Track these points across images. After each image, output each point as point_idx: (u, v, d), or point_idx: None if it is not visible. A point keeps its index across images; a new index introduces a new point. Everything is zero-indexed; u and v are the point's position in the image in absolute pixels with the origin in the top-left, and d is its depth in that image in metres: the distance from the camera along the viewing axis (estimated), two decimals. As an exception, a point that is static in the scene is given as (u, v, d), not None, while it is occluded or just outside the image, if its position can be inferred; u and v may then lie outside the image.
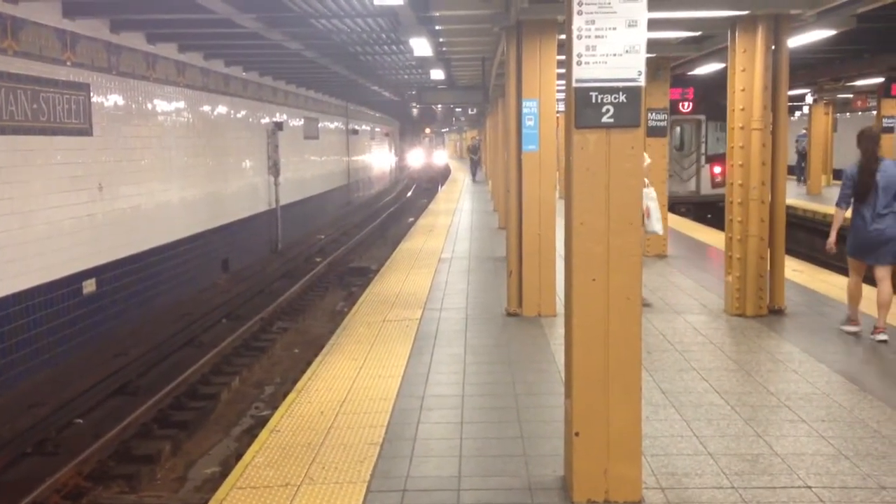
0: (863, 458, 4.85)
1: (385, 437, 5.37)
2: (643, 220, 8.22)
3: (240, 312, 14.01)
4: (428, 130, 58.61)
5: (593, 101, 4.12)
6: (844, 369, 6.64)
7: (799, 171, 29.79)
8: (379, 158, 45.43)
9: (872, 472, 4.64)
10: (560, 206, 6.08)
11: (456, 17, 10.69)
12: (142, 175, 13.57)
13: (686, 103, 21.24)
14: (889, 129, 21.37)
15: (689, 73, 16.75)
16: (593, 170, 4.19)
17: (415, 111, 47.75)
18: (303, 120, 25.79)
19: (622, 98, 4.12)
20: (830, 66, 19.47)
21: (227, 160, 18.28)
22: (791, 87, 9.07)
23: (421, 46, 11.77)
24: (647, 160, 8.70)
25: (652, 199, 9.01)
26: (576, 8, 4.06)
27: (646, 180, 8.09)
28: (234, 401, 9.84)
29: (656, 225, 9.10)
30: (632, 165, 4.19)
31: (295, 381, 7.13)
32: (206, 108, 16.94)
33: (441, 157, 59.97)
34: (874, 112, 24.12)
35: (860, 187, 7.51)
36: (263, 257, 20.27)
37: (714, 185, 21.50)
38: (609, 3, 4.05)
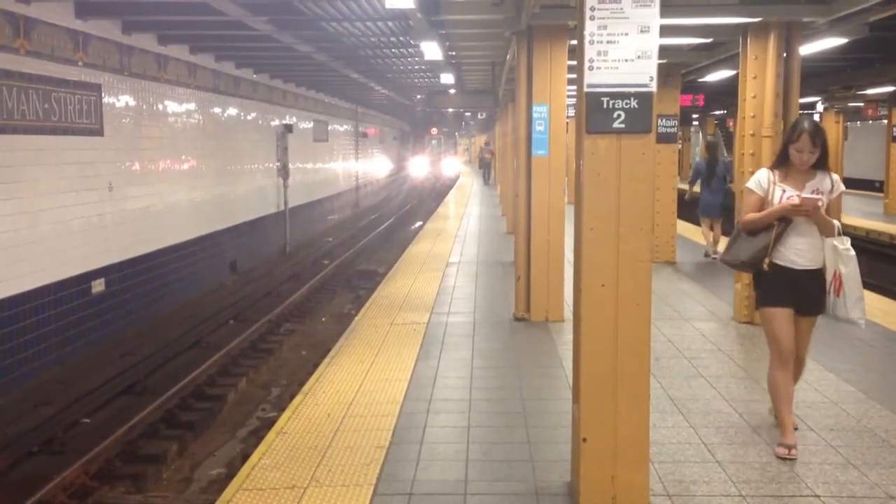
0: (871, 467, 4.82)
1: (392, 441, 5.37)
2: (828, 297, 5.04)
3: (247, 314, 14.03)
4: (435, 131, 52.51)
5: (604, 106, 4.11)
6: (853, 378, 6.60)
7: None
8: (388, 162, 45.35)
9: (880, 482, 4.62)
10: (569, 211, 6.07)
11: (467, 21, 10.70)
12: (151, 176, 13.61)
13: None
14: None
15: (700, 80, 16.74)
16: (604, 175, 4.18)
17: (422, 114, 46.77)
18: (312, 122, 25.84)
19: (633, 104, 4.11)
20: (841, 75, 19.42)
21: (237, 162, 18.33)
22: (802, 95, 9.03)
23: (432, 50, 11.78)
24: (840, 186, 5.13)
25: (849, 262, 4.95)
26: (588, 13, 4.06)
27: (837, 224, 4.98)
28: (240, 402, 9.86)
29: (853, 309, 4.97)
30: (642, 171, 4.18)
31: (302, 384, 7.13)
32: (217, 109, 16.98)
33: (452, 165, 54.30)
34: (885, 121, 24.05)
35: (707, 175, 13.26)
36: (271, 259, 20.30)
37: None
38: (622, 9, 4.04)
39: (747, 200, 5.18)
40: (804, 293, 5.05)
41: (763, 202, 5.09)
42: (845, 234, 5.01)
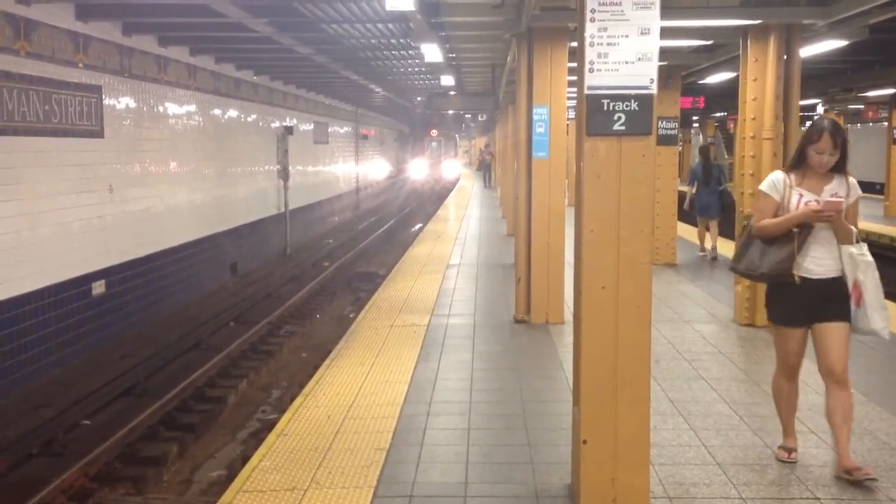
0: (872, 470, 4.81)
1: (392, 443, 5.37)
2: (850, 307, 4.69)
3: (247, 316, 14.02)
4: (435, 133, 51.57)
5: (605, 108, 4.11)
6: (854, 381, 6.53)
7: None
8: (387, 164, 45.29)
9: (881, 485, 4.61)
10: (569, 213, 6.06)
11: (467, 23, 10.71)
12: (152, 177, 13.61)
13: None
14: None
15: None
16: (604, 177, 4.18)
17: (422, 116, 46.43)
18: (312, 124, 25.84)
19: (634, 106, 4.11)
20: (842, 77, 19.42)
21: (237, 164, 18.33)
22: (802, 97, 9.04)
23: (432, 52, 11.79)
24: (858, 191, 4.76)
25: (867, 269, 4.64)
26: (588, 15, 4.05)
27: (854, 230, 4.66)
28: (240, 404, 9.85)
29: (875, 318, 4.63)
30: (643, 173, 4.18)
31: (302, 386, 7.13)
32: (217, 111, 16.98)
33: (452, 167, 53.51)
34: (885, 123, 24.05)
35: (704, 177, 13.80)
36: (272, 261, 20.30)
37: None
38: (622, 11, 4.04)
39: (761, 205, 4.81)
40: (824, 301, 4.68)
41: (778, 207, 4.73)
42: None
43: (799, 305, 4.72)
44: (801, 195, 4.68)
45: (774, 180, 4.79)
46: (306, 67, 18.25)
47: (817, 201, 4.61)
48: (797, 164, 4.76)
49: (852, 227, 4.65)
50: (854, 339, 7.09)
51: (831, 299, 4.68)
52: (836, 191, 4.67)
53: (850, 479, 4.58)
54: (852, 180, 4.75)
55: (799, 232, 4.64)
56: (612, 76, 4.09)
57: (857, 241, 4.66)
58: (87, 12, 11.08)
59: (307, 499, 4.54)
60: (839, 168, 4.71)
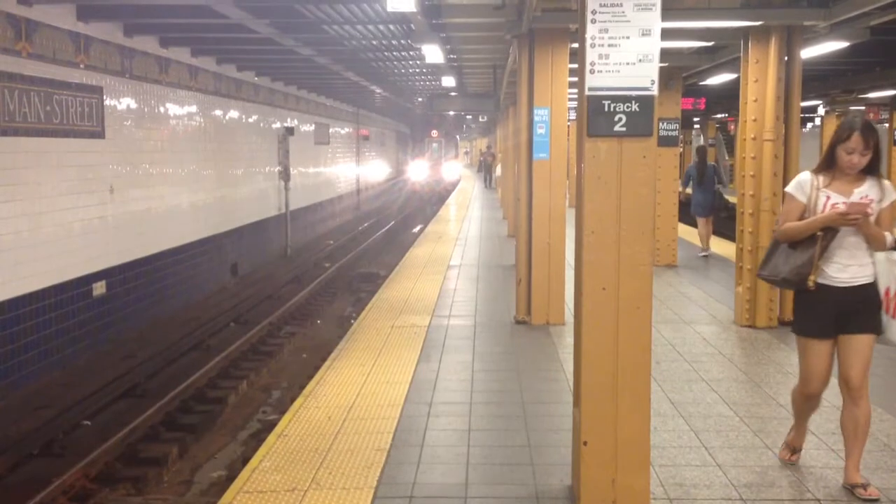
0: (872, 472, 4.81)
1: (392, 444, 5.37)
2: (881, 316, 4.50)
3: (248, 317, 14.03)
4: (435, 134, 50.02)
5: (606, 109, 4.11)
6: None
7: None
8: (388, 165, 45.23)
9: (882, 487, 4.60)
10: (570, 214, 6.05)
11: (468, 24, 10.72)
12: (153, 178, 13.62)
13: None
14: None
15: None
16: (605, 178, 4.18)
17: (422, 117, 46.06)
18: (313, 125, 25.85)
19: (635, 107, 4.11)
20: (843, 78, 19.42)
21: (238, 165, 18.34)
22: (803, 99, 9.04)
23: (433, 53, 11.79)
24: (892, 194, 4.46)
25: None
26: (589, 16, 4.05)
27: (888, 236, 4.40)
28: (241, 405, 9.85)
29: None
30: (644, 174, 4.18)
31: (302, 386, 7.13)
32: (218, 112, 16.99)
33: (453, 168, 51.58)
34: (886, 125, 24.05)
35: (699, 177, 14.13)
36: (272, 262, 20.30)
37: None
38: (623, 12, 4.04)
39: (786, 207, 4.58)
40: (850, 310, 4.42)
41: (804, 209, 4.48)
42: None
43: (823, 315, 4.47)
44: (828, 197, 4.42)
45: (801, 181, 4.55)
46: (307, 68, 18.26)
47: (845, 203, 4.36)
48: (826, 164, 4.49)
49: (886, 234, 4.38)
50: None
51: (858, 308, 4.44)
52: (867, 193, 4.41)
53: (853, 494, 4.50)
54: (887, 183, 4.48)
55: (823, 235, 4.38)
56: (613, 77, 4.09)
57: (893, 248, 4.38)
58: (88, 13, 11.10)
59: (307, 499, 4.54)
60: (872, 170, 4.43)
